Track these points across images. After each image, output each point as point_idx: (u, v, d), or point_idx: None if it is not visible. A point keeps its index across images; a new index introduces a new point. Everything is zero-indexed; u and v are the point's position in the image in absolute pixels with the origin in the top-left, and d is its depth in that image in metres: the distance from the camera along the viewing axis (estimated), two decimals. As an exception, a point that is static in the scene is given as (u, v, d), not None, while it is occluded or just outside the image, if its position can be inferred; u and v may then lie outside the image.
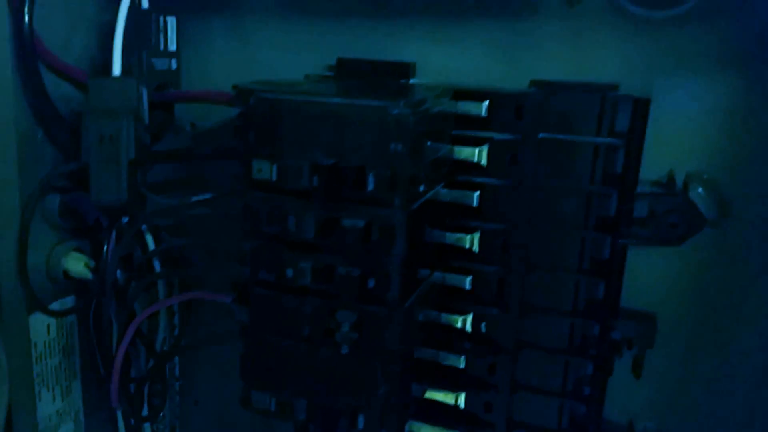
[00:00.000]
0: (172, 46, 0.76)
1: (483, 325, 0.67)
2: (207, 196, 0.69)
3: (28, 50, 0.65)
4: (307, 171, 0.56)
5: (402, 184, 0.55)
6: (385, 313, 0.59)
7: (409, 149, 0.54)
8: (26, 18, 0.65)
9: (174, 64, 0.77)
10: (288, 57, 0.77)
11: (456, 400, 0.69)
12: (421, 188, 0.58)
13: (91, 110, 0.66)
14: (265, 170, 0.58)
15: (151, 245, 0.76)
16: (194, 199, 0.69)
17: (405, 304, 0.59)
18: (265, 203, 0.59)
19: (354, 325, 0.59)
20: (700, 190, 0.64)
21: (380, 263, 0.58)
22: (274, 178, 0.58)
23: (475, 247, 0.65)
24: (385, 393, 0.61)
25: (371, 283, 0.58)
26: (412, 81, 0.69)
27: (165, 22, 0.75)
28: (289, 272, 0.60)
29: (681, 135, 0.65)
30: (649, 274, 0.69)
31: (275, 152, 0.58)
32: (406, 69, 0.69)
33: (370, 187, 0.56)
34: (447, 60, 0.71)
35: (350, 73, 0.70)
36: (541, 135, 0.62)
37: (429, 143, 0.59)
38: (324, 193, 0.56)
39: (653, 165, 0.65)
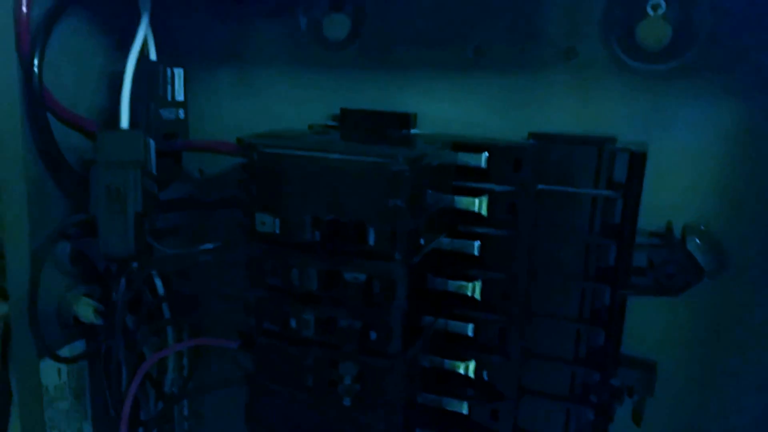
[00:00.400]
0: (180, 96, 0.77)
1: (485, 373, 0.68)
2: (212, 245, 0.69)
3: (38, 103, 0.67)
4: (309, 225, 0.58)
5: (402, 239, 0.56)
6: (387, 365, 0.60)
7: (408, 204, 0.55)
8: (36, 71, 0.66)
9: (182, 114, 0.78)
10: (292, 106, 0.78)
11: (460, 446, 0.69)
12: (422, 241, 0.59)
13: (99, 163, 0.67)
14: (268, 224, 0.59)
15: (161, 289, 0.78)
16: (201, 248, 0.69)
17: (407, 355, 0.60)
18: (269, 256, 0.60)
19: (356, 377, 0.60)
20: (697, 241, 0.64)
21: (381, 316, 0.59)
22: (278, 231, 0.59)
23: (477, 295, 0.66)
24: (386, 442, 0.61)
25: (373, 336, 0.59)
26: (413, 131, 0.70)
27: (173, 74, 0.75)
28: (293, 323, 0.61)
29: (679, 186, 0.65)
30: (649, 323, 0.69)
31: (278, 206, 0.59)
32: (407, 120, 0.70)
33: (371, 241, 0.57)
34: (447, 111, 0.71)
35: (353, 123, 0.72)
36: (539, 186, 0.63)
37: (429, 195, 0.60)
38: (326, 247, 0.57)
39: (652, 215, 0.65)
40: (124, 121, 0.69)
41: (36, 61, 0.66)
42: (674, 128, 0.64)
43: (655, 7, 0.62)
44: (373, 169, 0.56)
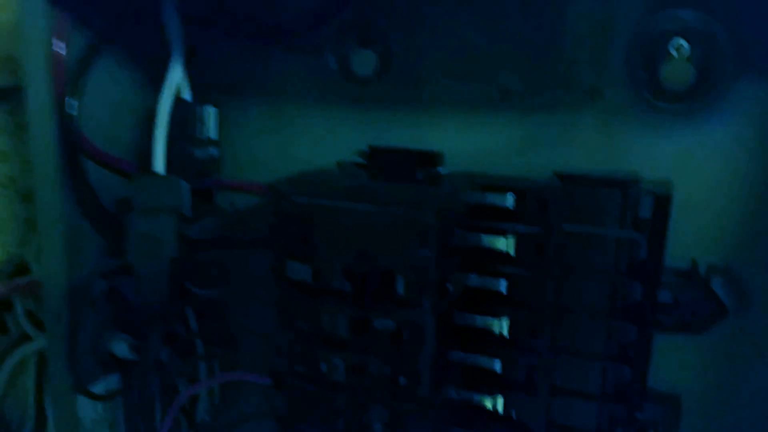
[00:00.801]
0: (213, 135, 0.78)
1: (513, 411, 0.68)
2: (243, 285, 0.71)
3: (73, 146, 0.68)
4: (339, 274, 0.59)
5: (431, 287, 0.58)
6: (417, 409, 0.61)
7: (436, 254, 0.57)
8: (72, 111, 0.68)
9: (215, 152, 0.79)
10: (322, 141, 0.79)
11: (490, 483, 0.70)
12: (450, 288, 0.60)
13: (135, 210, 0.68)
14: (298, 271, 0.61)
15: (194, 325, 0.79)
16: (233, 290, 0.71)
17: (437, 399, 0.61)
18: (300, 301, 0.62)
19: (387, 423, 0.61)
20: (721, 280, 0.65)
21: (410, 362, 0.60)
22: (308, 279, 0.61)
23: (505, 332, 0.67)
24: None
25: (402, 381, 0.60)
26: (440, 169, 0.71)
27: (206, 113, 0.77)
28: (323, 367, 0.62)
29: (703, 224, 0.66)
30: (674, 359, 0.70)
31: (308, 253, 0.60)
32: (434, 158, 0.70)
33: (400, 290, 0.58)
34: (473, 148, 0.73)
35: (381, 161, 0.72)
36: (565, 227, 0.64)
37: (457, 236, 0.61)
38: (355, 295, 0.59)
39: (676, 252, 0.66)
40: (159, 164, 0.71)
41: (72, 104, 0.68)
42: (698, 168, 0.65)
43: (678, 49, 0.63)
44: (401, 221, 0.57)
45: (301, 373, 0.64)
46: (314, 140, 0.79)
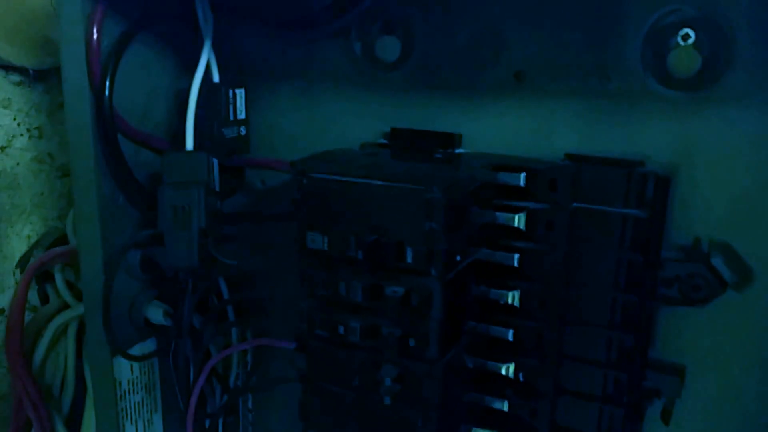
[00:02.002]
0: (242, 115, 0.81)
1: (521, 374, 0.72)
2: (269, 256, 0.74)
3: (108, 126, 0.71)
4: (354, 244, 0.62)
5: (438, 257, 0.61)
6: (424, 369, 0.64)
7: (443, 227, 0.60)
8: (106, 93, 0.70)
9: (243, 131, 0.82)
10: (347, 123, 0.81)
11: (501, 441, 0.73)
12: (458, 258, 0.64)
13: (166, 183, 0.71)
14: (317, 241, 0.64)
15: (225, 293, 0.83)
16: (259, 259, 0.74)
17: (444, 359, 0.64)
18: (318, 270, 0.66)
19: (396, 378, 0.64)
20: (722, 256, 0.67)
21: (419, 325, 0.63)
22: (326, 248, 0.64)
23: (516, 303, 0.70)
24: (425, 438, 0.66)
25: (412, 342, 0.64)
26: (458, 150, 0.74)
27: (234, 94, 0.80)
28: (341, 330, 0.66)
29: (708, 204, 0.68)
30: (679, 330, 0.72)
31: (326, 225, 0.64)
32: (452, 139, 0.74)
33: (409, 259, 0.61)
34: (490, 130, 0.75)
35: (402, 142, 0.76)
36: (574, 204, 0.67)
37: (467, 215, 0.64)
38: (368, 264, 0.62)
39: (682, 231, 0.69)
40: (189, 142, 0.74)
41: (107, 87, 0.70)
42: (703, 150, 0.67)
43: (685, 37, 0.65)
44: (409, 196, 0.60)
45: (322, 336, 0.68)
46: (340, 122, 0.82)
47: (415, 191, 0.60)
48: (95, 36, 0.69)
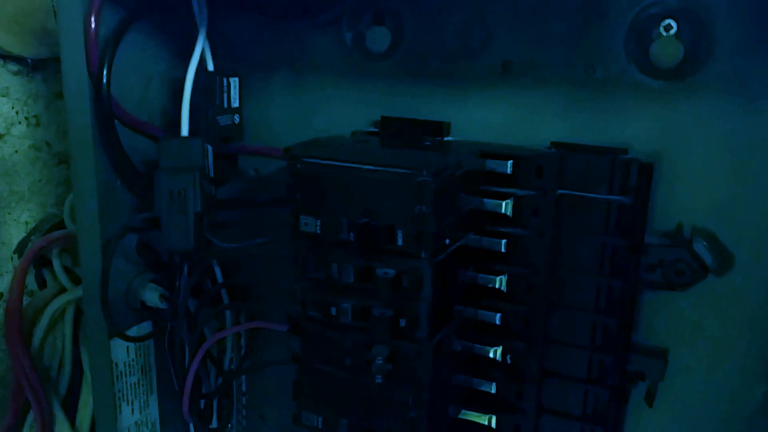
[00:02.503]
0: (235, 103, 0.82)
1: (509, 357, 0.74)
2: (262, 240, 0.75)
3: (106, 112, 0.72)
4: (345, 227, 0.64)
5: (427, 240, 0.62)
6: (414, 349, 0.66)
7: (433, 210, 0.61)
8: (104, 81, 0.71)
9: (237, 119, 0.83)
10: (338, 112, 0.83)
11: (489, 422, 0.76)
12: (447, 241, 0.65)
13: (162, 168, 0.73)
14: (310, 224, 0.66)
15: (220, 278, 0.84)
16: (252, 242, 0.76)
17: (434, 340, 0.66)
18: (311, 253, 0.67)
19: (387, 358, 0.66)
20: (703, 242, 0.69)
21: (410, 306, 0.65)
22: (318, 231, 0.66)
23: (504, 288, 0.72)
24: (415, 417, 0.68)
25: (402, 323, 0.65)
26: (447, 138, 0.75)
27: (228, 83, 0.81)
28: (333, 311, 0.68)
29: (690, 191, 0.70)
30: (663, 315, 0.74)
31: (318, 209, 0.65)
32: (441, 127, 0.75)
33: (399, 242, 0.63)
34: (478, 119, 0.76)
35: (392, 130, 0.77)
36: (559, 191, 0.69)
37: (460, 199, 0.66)
38: (360, 246, 0.64)
39: (665, 218, 0.71)
40: (184, 129, 0.75)
41: (104, 74, 0.71)
42: (686, 138, 0.69)
43: (667, 28, 0.67)
44: (400, 180, 0.62)
45: (314, 318, 0.69)
46: (331, 110, 0.83)
47: (406, 175, 0.61)
48: (93, 25, 0.70)
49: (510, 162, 0.69)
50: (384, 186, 0.63)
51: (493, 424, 0.75)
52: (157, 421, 0.90)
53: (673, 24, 0.66)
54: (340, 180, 0.64)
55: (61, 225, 0.95)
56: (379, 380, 0.66)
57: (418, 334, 0.65)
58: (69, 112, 0.73)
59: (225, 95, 0.81)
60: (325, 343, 0.70)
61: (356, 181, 0.64)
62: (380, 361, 0.66)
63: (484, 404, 0.76)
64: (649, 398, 0.74)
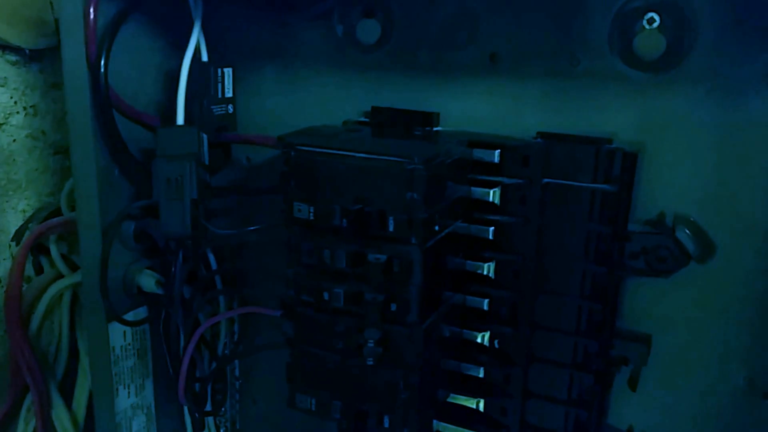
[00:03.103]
0: (229, 93, 0.84)
1: (497, 342, 0.75)
2: (256, 227, 0.77)
3: (104, 101, 0.73)
4: (338, 213, 0.66)
5: (418, 226, 0.64)
6: (405, 332, 0.68)
7: (423, 197, 0.63)
8: (102, 73, 0.73)
9: (231, 109, 0.85)
10: (330, 102, 0.84)
11: (476, 405, 0.78)
12: (437, 228, 0.67)
13: (159, 157, 0.74)
14: (303, 211, 0.67)
15: (214, 264, 0.86)
16: (246, 229, 0.77)
17: (423, 324, 0.68)
18: (304, 238, 0.69)
19: (378, 341, 0.68)
20: (686, 230, 0.71)
21: (400, 290, 0.67)
22: (311, 217, 0.67)
23: (491, 274, 0.74)
24: (406, 399, 0.70)
25: (393, 307, 0.67)
26: (436, 129, 0.77)
27: (222, 73, 0.83)
28: (326, 296, 0.69)
29: (673, 181, 0.71)
30: (646, 302, 0.76)
31: (311, 196, 0.67)
32: (430, 117, 0.77)
33: (391, 228, 0.65)
34: (466, 110, 0.78)
35: (382, 120, 0.79)
36: (545, 180, 0.71)
37: (449, 187, 0.68)
38: (352, 232, 0.66)
39: (649, 206, 0.72)
40: (180, 118, 0.76)
41: (102, 64, 0.72)
42: (668, 129, 0.71)
43: (650, 21, 0.68)
44: (392, 167, 0.64)
45: (307, 302, 0.71)
46: (323, 101, 0.85)
47: (398, 163, 0.63)
48: (92, 15, 0.71)
49: (497, 151, 0.71)
50: (376, 173, 0.64)
51: (481, 408, 0.77)
52: (153, 404, 0.92)
53: (656, 17, 0.68)
54: (333, 167, 0.66)
55: (57, 213, 0.95)
56: (370, 363, 0.68)
57: (408, 319, 0.67)
58: (68, 102, 0.74)
59: (219, 85, 0.82)
60: (317, 327, 0.71)
61: (349, 169, 0.65)
62: (371, 345, 0.68)
63: (473, 388, 0.78)
64: (633, 383, 0.76)
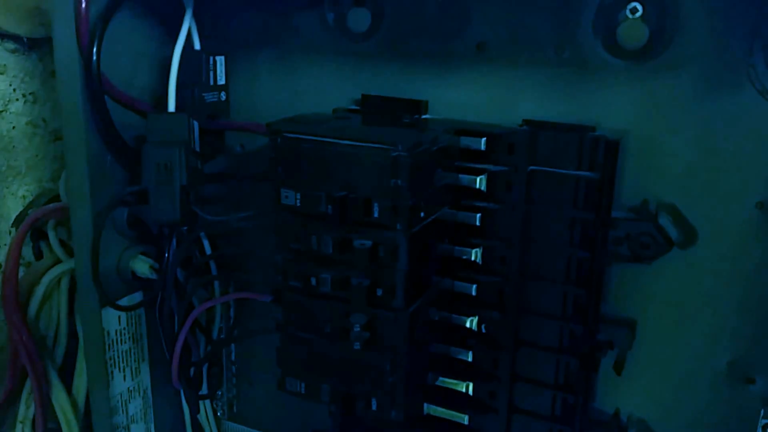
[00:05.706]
0: (221, 81, 0.85)
1: (484, 326, 0.77)
2: (246, 213, 0.79)
3: (96, 87, 0.74)
4: (324, 200, 0.67)
5: (403, 212, 0.65)
6: (390, 317, 0.69)
7: (408, 184, 0.64)
8: (94, 58, 0.73)
9: (223, 96, 0.86)
10: (321, 90, 0.85)
11: (465, 388, 0.79)
12: (422, 214, 0.68)
13: (149, 142, 0.75)
14: (290, 197, 0.68)
15: (208, 250, 0.87)
16: (236, 215, 0.79)
17: (409, 309, 0.69)
18: (291, 225, 0.70)
19: (365, 326, 0.69)
20: (669, 216, 0.72)
21: (386, 276, 0.68)
22: (298, 204, 0.69)
23: (479, 260, 0.75)
24: (393, 382, 0.71)
25: (379, 292, 0.68)
26: (424, 116, 0.78)
27: (215, 61, 0.84)
28: (313, 281, 0.71)
29: (656, 168, 0.73)
30: (631, 287, 0.77)
31: (298, 182, 0.68)
32: (419, 105, 0.78)
33: (376, 214, 0.66)
34: (454, 98, 0.79)
35: (372, 108, 0.80)
36: (530, 167, 0.71)
37: (436, 174, 0.69)
38: (338, 218, 0.67)
39: (633, 193, 0.74)
40: (171, 105, 0.78)
41: (94, 51, 0.73)
42: (651, 117, 0.72)
43: (633, 11, 0.69)
44: (377, 155, 0.65)
45: (295, 287, 0.72)
46: (314, 88, 0.86)
47: (382, 150, 0.64)
48: (84, 4, 0.72)
49: (483, 139, 0.72)
50: (361, 160, 0.65)
51: (470, 391, 0.78)
52: (149, 387, 0.93)
53: (639, 7, 0.69)
54: (319, 154, 0.67)
55: (56, 199, 0.96)
56: (357, 347, 0.69)
57: (394, 303, 0.68)
58: (60, 89, 0.75)
59: (211, 73, 0.83)
60: (305, 312, 0.73)
61: (334, 156, 0.66)
62: (358, 329, 0.69)
63: (462, 372, 0.79)
64: (618, 367, 0.77)
